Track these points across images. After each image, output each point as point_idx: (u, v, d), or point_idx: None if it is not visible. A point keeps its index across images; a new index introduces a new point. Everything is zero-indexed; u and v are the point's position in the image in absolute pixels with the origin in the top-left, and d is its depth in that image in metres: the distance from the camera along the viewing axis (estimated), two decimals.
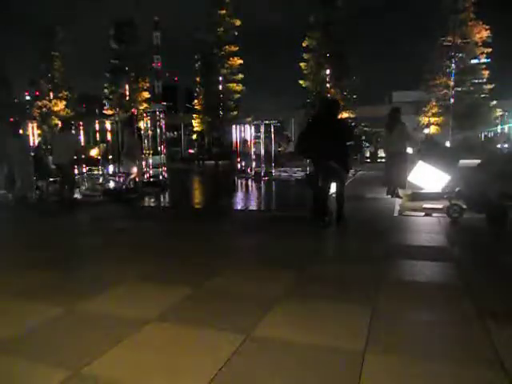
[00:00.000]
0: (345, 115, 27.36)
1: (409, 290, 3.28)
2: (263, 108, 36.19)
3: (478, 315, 2.72)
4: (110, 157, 13.30)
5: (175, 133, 46.56)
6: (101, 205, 9.02)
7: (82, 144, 11.43)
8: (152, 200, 9.99)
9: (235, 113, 32.43)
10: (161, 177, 12.18)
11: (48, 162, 11.38)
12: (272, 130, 16.94)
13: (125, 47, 32.70)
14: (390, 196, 8.37)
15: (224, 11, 32.13)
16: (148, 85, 34.56)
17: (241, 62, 32.80)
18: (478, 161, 6.50)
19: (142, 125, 12.07)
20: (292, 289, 3.35)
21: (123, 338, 2.49)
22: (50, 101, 33.28)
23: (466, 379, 2.03)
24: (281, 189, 12.76)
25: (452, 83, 26.82)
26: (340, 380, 2.04)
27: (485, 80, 26.42)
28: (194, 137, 35.21)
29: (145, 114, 13.83)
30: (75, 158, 9.48)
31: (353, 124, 26.22)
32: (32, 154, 10.43)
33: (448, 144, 23.31)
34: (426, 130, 27.18)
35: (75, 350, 2.36)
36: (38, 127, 32.79)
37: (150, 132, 12.44)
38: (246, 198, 11.13)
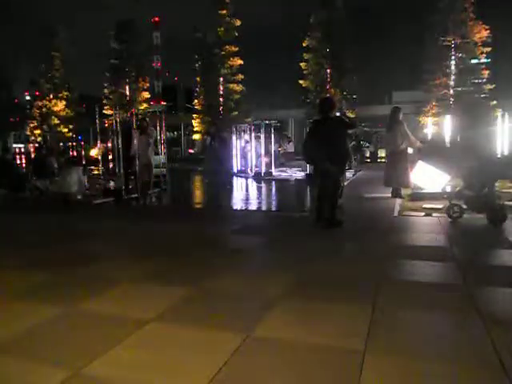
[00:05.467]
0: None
1: (409, 290, 3.28)
2: (262, 107, 36.18)
3: (478, 315, 2.72)
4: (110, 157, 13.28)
5: (175, 133, 46.58)
6: (100, 204, 9.03)
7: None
8: (154, 200, 10.02)
9: (235, 113, 32.45)
10: (161, 177, 12.19)
11: (50, 161, 11.38)
12: (272, 129, 16.98)
13: (125, 47, 32.72)
14: (394, 197, 8.24)
15: (224, 11, 32.16)
16: (148, 85, 34.59)
17: (241, 62, 32.83)
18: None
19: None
20: (292, 289, 3.35)
21: (123, 338, 2.49)
22: (49, 101, 33.28)
23: (466, 379, 2.03)
24: (281, 189, 12.78)
25: (452, 83, 26.84)
26: (340, 380, 2.03)
27: (485, 80, 26.42)
28: (196, 136, 35.19)
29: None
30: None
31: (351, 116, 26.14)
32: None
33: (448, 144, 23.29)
34: (426, 130, 27.18)
35: (75, 350, 2.36)
36: (38, 127, 32.95)
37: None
38: (244, 199, 11.14)
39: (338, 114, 6.38)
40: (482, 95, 26.29)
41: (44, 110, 33.26)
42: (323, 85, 29.54)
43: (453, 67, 26.80)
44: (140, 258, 4.36)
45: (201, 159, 25.77)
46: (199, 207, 9.88)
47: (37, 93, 33.76)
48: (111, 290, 3.35)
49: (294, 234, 5.52)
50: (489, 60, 26.44)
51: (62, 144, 30.71)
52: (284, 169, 17.26)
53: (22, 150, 25.13)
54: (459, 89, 26.68)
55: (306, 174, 12.50)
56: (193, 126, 35.56)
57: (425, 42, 26.86)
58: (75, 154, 23.00)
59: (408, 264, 4.04)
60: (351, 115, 28.60)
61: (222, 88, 33.02)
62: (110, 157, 13.24)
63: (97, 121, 12.09)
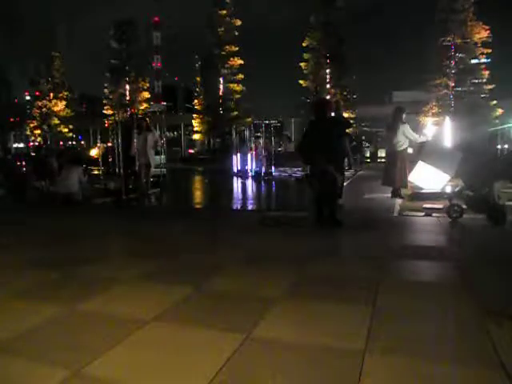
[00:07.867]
0: (345, 115, 27.38)
1: (409, 289, 3.27)
2: (263, 108, 36.22)
3: (478, 315, 2.72)
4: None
5: (175, 133, 46.62)
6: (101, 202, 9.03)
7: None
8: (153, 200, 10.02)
9: (235, 113, 32.49)
10: (161, 177, 12.18)
11: (50, 161, 11.37)
12: (272, 129, 16.99)
13: (125, 47, 32.76)
14: (393, 197, 8.23)
15: (224, 11, 32.20)
16: (148, 85, 34.65)
17: (241, 62, 32.86)
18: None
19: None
20: (292, 289, 3.35)
21: (123, 338, 2.49)
22: (49, 101, 33.32)
23: (466, 379, 2.03)
24: (281, 189, 12.78)
25: (452, 83, 26.85)
26: (340, 380, 2.03)
27: (485, 80, 26.44)
28: (196, 136, 35.20)
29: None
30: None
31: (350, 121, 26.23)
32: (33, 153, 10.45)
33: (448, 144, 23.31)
34: (426, 131, 27.19)
35: (75, 350, 2.36)
36: (38, 127, 33.00)
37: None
38: (244, 198, 11.14)
39: (333, 114, 6.38)
40: (482, 95, 26.32)
41: (44, 110, 33.30)
42: (323, 85, 29.56)
43: (453, 67, 26.81)
44: (140, 258, 4.36)
45: (201, 159, 25.76)
46: (199, 207, 9.88)
47: (37, 93, 33.79)
48: (111, 290, 3.35)
49: (294, 234, 5.52)
50: (489, 60, 26.46)
51: (61, 143, 30.77)
52: (284, 169, 17.25)
53: (22, 149, 25.15)
54: (459, 89, 26.71)
55: (306, 174, 12.50)
56: (193, 126, 35.57)
57: (425, 42, 26.91)
58: (74, 152, 23.02)
59: (408, 264, 4.05)
60: (351, 115, 28.67)
61: (221, 88, 33.05)
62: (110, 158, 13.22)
63: (97, 121, 12.07)
